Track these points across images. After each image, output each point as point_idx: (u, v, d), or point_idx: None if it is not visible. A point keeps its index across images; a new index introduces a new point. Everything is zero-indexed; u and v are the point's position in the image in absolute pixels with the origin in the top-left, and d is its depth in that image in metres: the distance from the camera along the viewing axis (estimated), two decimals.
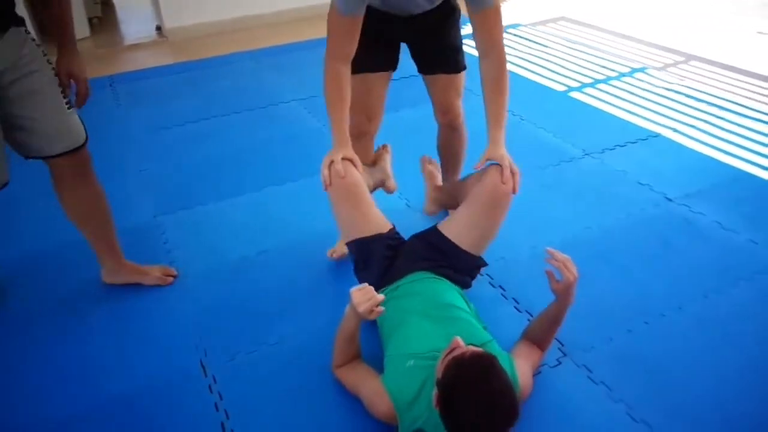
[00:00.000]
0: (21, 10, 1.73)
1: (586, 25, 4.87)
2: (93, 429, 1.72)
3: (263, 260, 2.34)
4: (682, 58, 4.14)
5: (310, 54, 4.03)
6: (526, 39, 4.58)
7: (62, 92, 1.80)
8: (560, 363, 1.86)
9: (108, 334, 2.04)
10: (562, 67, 4.06)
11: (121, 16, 5.70)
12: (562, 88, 3.75)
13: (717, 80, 3.78)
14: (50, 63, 1.78)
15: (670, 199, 2.61)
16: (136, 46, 4.92)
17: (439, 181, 2.24)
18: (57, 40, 1.78)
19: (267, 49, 4.56)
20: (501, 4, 1.81)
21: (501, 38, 1.83)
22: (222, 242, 2.45)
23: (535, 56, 4.26)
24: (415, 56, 2.09)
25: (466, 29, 1.84)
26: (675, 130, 3.19)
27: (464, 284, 1.94)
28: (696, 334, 1.95)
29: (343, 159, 1.79)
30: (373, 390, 1.62)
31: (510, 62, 4.00)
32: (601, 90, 3.69)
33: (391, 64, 2.03)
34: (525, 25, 4.86)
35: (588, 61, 4.14)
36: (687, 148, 3.03)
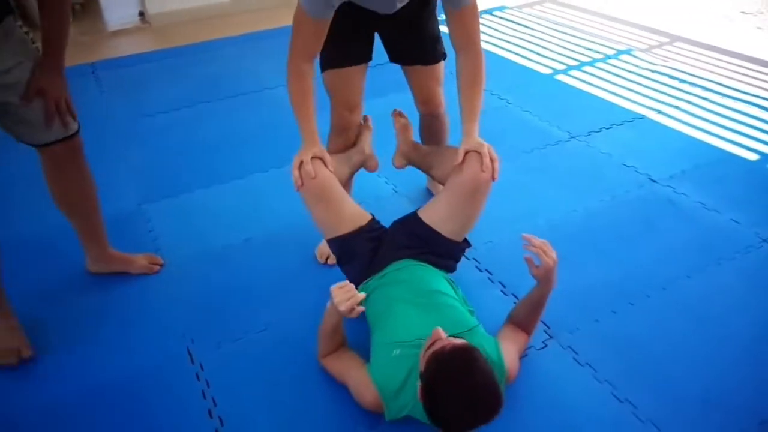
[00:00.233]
0: None
1: (572, 7, 4.86)
2: (79, 418, 1.72)
3: (249, 247, 2.34)
4: (667, 40, 4.14)
5: None
6: (512, 22, 4.57)
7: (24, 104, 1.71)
8: (546, 345, 1.87)
9: (93, 324, 2.03)
10: (548, 49, 4.06)
11: (104, 2, 5.61)
12: (547, 71, 3.74)
13: (701, 61, 3.79)
14: (39, 51, 1.74)
15: (654, 181, 2.63)
16: (118, 33, 4.86)
17: (411, 136, 2.22)
18: (43, 52, 1.71)
19: (250, 34, 4.51)
20: None
21: (478, 35, 1.82)
22: (208, 230, 2.44)
23: (521, 39, 4.24)
24: (392, 47, 2.06)
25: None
26: (659, 112, 3.20)
27: (449, 268, 1.94)
28: (679, 314, 1.97)
29: (312, 158, 1.78)
30: (359, 380, 1.62)
31: (495, 45, 4.05)
32: (586, 72, 3.69)
33: (367, 55, 2.00)
34: (511, 8, 4.84)
35: (574, 44, 4.13)
36: (671, 129, 3.05)
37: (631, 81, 3.56)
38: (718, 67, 3.71)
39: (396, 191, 2.62)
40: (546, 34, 4.33)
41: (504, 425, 1.59)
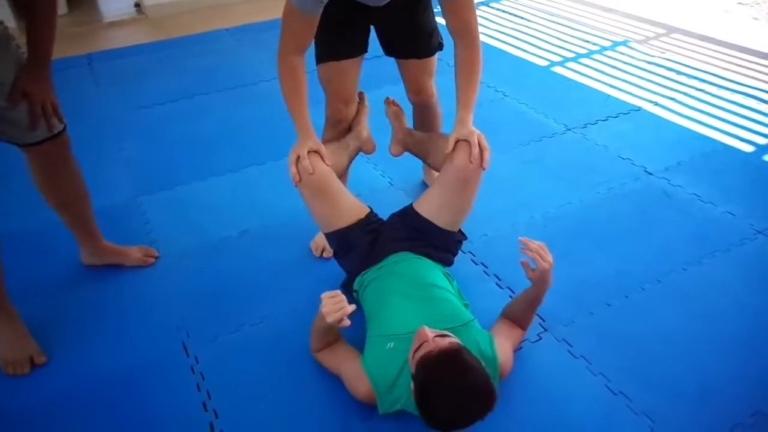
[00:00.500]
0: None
1: None
2: (74, 410, 1.72)
3: (245, 240, 2.33)
4: (664, 31, 4.13)
5: None
6: (508, 13, 4.55)
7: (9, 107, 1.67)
8: (541, 338, 1.88)
9: (88, 316, 2.03)
10: (544, 41, 4.05)
11: None
12: (544, 63, 3.73)
13: (698, 53, 3.78)
14: (21, 50, 1.70)
15: (650, 173, 2.63)
16: (114, 24, 4.83)
17: (405, 122, 2.22)
18: (29, 53, 1.66)
19: (248, 26, 4.49)
20: None
21: (475, 25, 1.80)
22: (203, 222, 2.44)
23: (517, 30, 4.23)
24: (387, 40, 2.05)
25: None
26: (656, 104, 3.19)
27: (447, 262, 1.94)
28: (674, 306, 1.98)
29: (309, 152, 1.78)
30: (353, 372, 1.63)
31: (492, 37, 4.04)
32: (583, 64, 3.68)
33: (362, 48, 1.99)
34: None
35: (570, 35, 4.12)
36: (667, 121, 3.05)
37: (628, 73, 3.55)
38: (715, 58, 3.70)
39: (392, 184, 2.62)
40: (542, 25, 4.31)
41: (498, 418, 1.59)
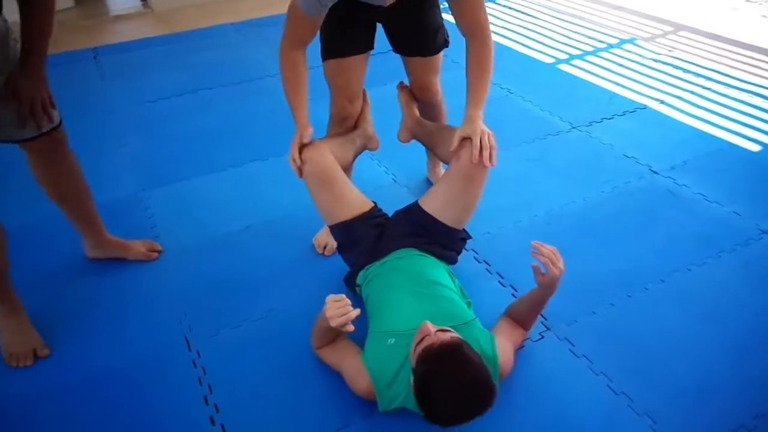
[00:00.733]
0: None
1: None
2: (75, 402, 1.73)
3: (248, 235, 2.33)
4: (671, 29, 4.11)
5: None
6: (515, 10, 4.53)
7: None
8: (543, 337, 1.87)
9: (91, 309, 2.03)
10: (551, 38, 4.03)
11: None
12: (550, 60, 3.72)
13: (705, 51, 3.76)
14: (17, 42, 1.69)
15: (655, 172, 2.62)
16: (120, 17, 4.84)
17: (416, 110, 2.22)
18: (22, 51, 1.64)
19: (252, 20, 4.49)
20: None
21: (484, 22, 1.79)
22: (207, 217, 2.44)
23: (524, 27, 4.21)
24: (392, 38, 2.05)
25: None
26: (662, 102, 3.18)
27: (451, 260, 1.94)
28: (677, 307, 1.97)
29: (312, 144, 1.80)
30: (354, 367, 1.63)
31: (498, 34, 4.02)
32: (589, 62, 3.66)
33: (368, 45, 1.99)
34: None
35: (576, 33, 4.10)
36: (673, 119, 3.03)
37: (634, 71, 3.53)
38: (723, 56, 3.68)
39: (396, 181, 2.62)
40: (549, 22, 4.30)
41: (499, 417, 1.60)
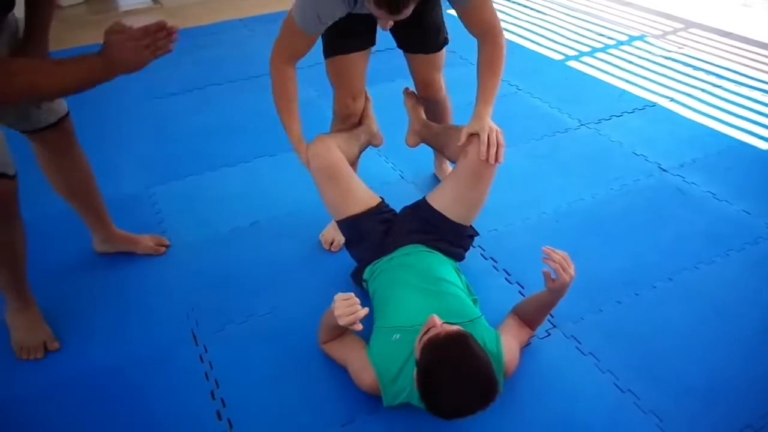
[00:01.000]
0: None
1: None
2: (84, 396, 1.74)
3: (255, 231, 2.34)
4: (682, 26, 4.08)
5: None
6: (524, 6, 4.52)
7: None
8: (549, 334, 1.87)
9: (100, 303, 2.05)
10: (560, 35, 4.01)
11: None
12: (559, 57, 3.70)
13: (716, 48, 3.74)
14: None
15: (664, 170, 2.61)
16: (130, 13, 4.85)
17: (422, 114, 2.22)
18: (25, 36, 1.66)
19: (261, 16, 4.49)
20: None
21: (494, 22, 1.79)
22: (214, 213, 2.45)
23: (533, 24, 4.20)
24: (395, 35, 2.04)
25: None
26: (672, 100, 3.16)
27: (458, 257, 1.94)
28: (685, 305, 1.96)
29: (321, 139, 1.81)
30: (359, 362, 1.63)
31: (508, 30, 4.00)
32: (598, 59, 3.65)
33: (370, 41, 1.98)
34: None
35: (586, 29, 4.08)
36: (683, 117, 3.01)
37: (644, 68, 3.51)
38: (734, 54, 3.65)
39: (403, 177, 2.61)
40: (559, 19, 4.28)
41: (504, 414, 1.61)
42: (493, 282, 2.07)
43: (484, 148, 1.71)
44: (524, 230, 2.29)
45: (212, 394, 1.73)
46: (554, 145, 2.82)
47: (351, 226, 1.90)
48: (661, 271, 2.09)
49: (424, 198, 1.94)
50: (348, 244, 1.98)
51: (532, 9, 4.47)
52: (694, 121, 2.97)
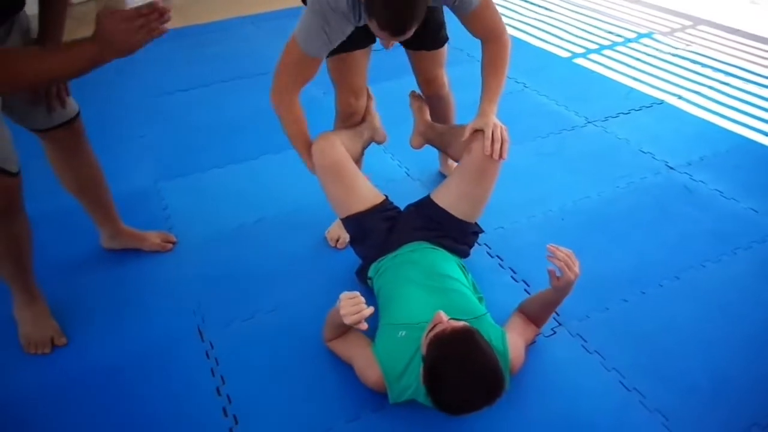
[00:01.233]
0: None
1: None
2: (90, 391, 1.75)
3: (261, 228, 2.35)
4: (690, 23, 4.06)
5: None
6: (531, 3, 4.50)
7: None
8: (555, 332, 1.87)
9: (107, 299, 2.06)
10: (567, 32, 4.00)
11: None
12: (566, 54, 3.69)
13: (724, 45, 3.71)
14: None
15: (671, 168, 2.59)
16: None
17: (428, 115, 2.22)
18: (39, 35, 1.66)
19: (268, 13, 4.49)
20: None
21: (498, 23, 1.79)
22: (221, 209, 2.46)
23: (540, 21, 4.18)
24: None
25: None
26: (680, 97, 3.14)
27: (463, 254, 1.94)
28: (692, 303, 1.96)
29: (326, 136, 1.82)
30: (365, 359, 1.64)
31: (514, 27, 4.00)
32: (606, 56, 3.63)
33: (371, 38, 1.96)
34: None
35: (594, 26, 4.07)
36: (691, 115, 3.00)
37: (652, 65, 3.49)
38: (742, 51, 3.63)
39: (408, 174, 2.61)
40: (566, 16, 4.26)
41: (510, 412, 1.61)
42: (498, 280, 2.07)
43: (488, 143, 1.71)
44: (530, 228, 2.29)
45: (218, 390, 1.74)
46: (561, 143, 2.81)
47: (355, 223, 1.90)
48: (668, 269, 2.08)
49: (428, 195, 1.94)
50: (353, 242, 1.98)
51: (538, 6, 4.45)
52: (701, 119, 2.96)
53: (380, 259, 1.87)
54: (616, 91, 3.25)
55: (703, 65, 3.46)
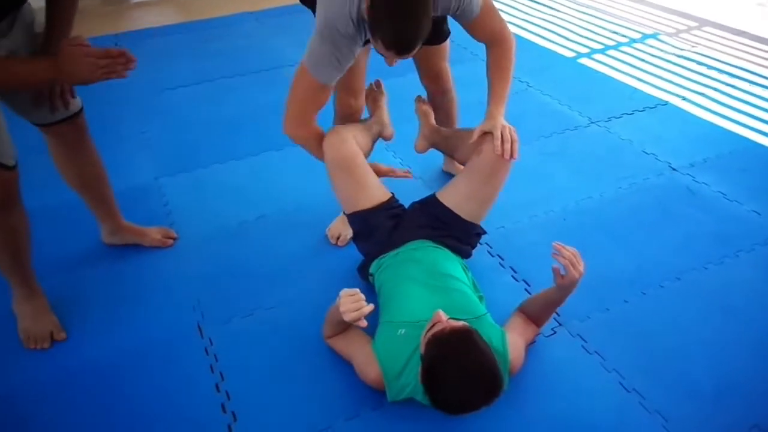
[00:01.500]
0: None
1: None
2: (89, 387, 1.75)
3: (262, 225, 2.34)
4: (696, 24, 4.05)
5: None
6: (536, 2, 4.49)
7: None
8: (555, 332, 1.86)
9: (107, 295, 2.06)
10: (572, 32, 3.98)
11: None
12: (570, 54, 3.68)
13: (730, 47, 3.70)
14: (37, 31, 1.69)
15: (674, 169, 2.59)
16: (142, 5, 4.86)
17: (433, 120, 2.22)
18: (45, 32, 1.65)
19: (271, 9, 4.48)
20: None
21: (501, 26, 1.79)
22: (222, 205, 2.45)
23: (545, 20, 4.17)
24: None
25: None
26: (684, 98, 3.13)
27: (464, 254, 1.94)
28: (693, 305, 1.95)
29: (338, 130, 1.81)
30: (364, 356, 1.64)
31: (519, 26, 3.99)
32: (610, 56, 3.62)
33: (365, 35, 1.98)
34: None
35: (599, 26, 4.05)
36: (695, 116, 2.99)
37: (656, 66, 3.48)
38: (747, 53, 3.61)
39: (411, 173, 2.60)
40: (571, 15, 4.25)
41: (509, 412, 1.61)
42: (499, 279, 2.06)
43: (498, 143, 1.72)
44: (532, 228, 2.28)
45: (217, 386, 1.74)
46: (564, 143, 2.80)
47: (362, 220, 1.89)
48: (669, 270, 2.08)
49: (433, 194, 1.94)
50: (356, 238, 1.98)
51: (544, 5, 4.44)
52: (705, 121, 2.95)
53: (382, 255, 1.87)
54: (620, 91, 3.23)
55: (708, 67, 3.45)
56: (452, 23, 2.01)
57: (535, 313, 1.76)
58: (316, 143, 1.85)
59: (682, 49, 3.67)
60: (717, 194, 2.43)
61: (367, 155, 2.03)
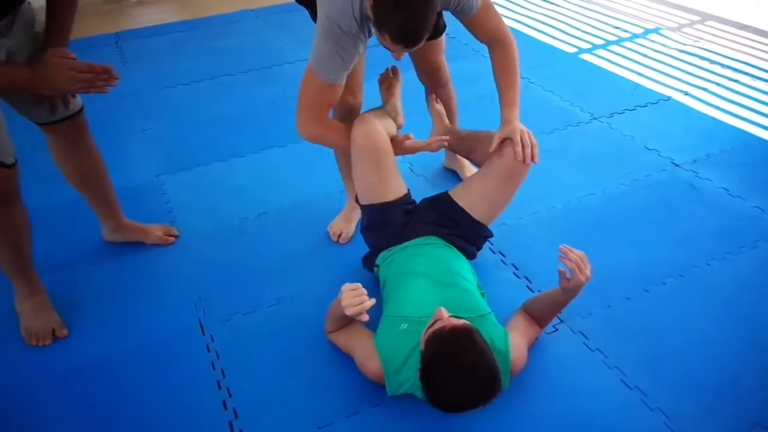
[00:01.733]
0: None
1: None
2: (91, 384, 1.75)
3: (263, 222, 2.34)
4: (698, 18, 4.03)
5: None
6: None
7: None
8: (557, 329, 1.86)
9: (108, 292, 2.06)
10: (574, 27, 3.97)
11: None
12: (572, 50, 3.66)
13: (733, 41, 3.68)
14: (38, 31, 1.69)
15: (677, 165, 2.57)
16: (143, 3, 4.86)
17: (446, 119, 2.21)
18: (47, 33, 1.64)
19: (272, 7, 4.48)
20: None
21: (501, 25, 1.79)
22: (223, 203, 2.45)
23: (546, 16, 4.16)
24: None
25: None
26: (686, 94, 3.12)
27: (470, 254, 1.93)
28: (696, 302, 1.94)
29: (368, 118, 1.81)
30: (365, 350, 1.64)
31: (519, 22, 3.98)
32: (612, 51, 3.61)
33: (370, 31, 1.97)
34: None
35: (600, 21, 4.04)
36: (698, 112, 2.97)
37: (659, 61, 3.47)
38: (751, 47, 3.60)
39: (412, 170, 2.60)
40: (572, 10, 4.23)
41: (510, 409, 1.60)
42: (500, 276, 2.06)
43: (519, 148, 1.72)
44: (533, 225, 2.28)
45: (218, 383, 1.74)
46: (565, 139, 2.79)
47: (378, 212, 1.88)
48: (672, 267, 2.07)
49: (446, 192, 1.93)
50: (366, 230, 1.96)
51: (545, 0, 4.42)
52: (708, 116, 2.93)
53: (389, 249, 1.87)
54: (622, 87, 3.22)
55: (711, 61, 3.43)
56: (450, 19, 2.01)
57: (539, 314, 1.75)
58: (335, 134, 1.84)
59: (684, 44, 3.66)
60: (720, 190, 2.42)
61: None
